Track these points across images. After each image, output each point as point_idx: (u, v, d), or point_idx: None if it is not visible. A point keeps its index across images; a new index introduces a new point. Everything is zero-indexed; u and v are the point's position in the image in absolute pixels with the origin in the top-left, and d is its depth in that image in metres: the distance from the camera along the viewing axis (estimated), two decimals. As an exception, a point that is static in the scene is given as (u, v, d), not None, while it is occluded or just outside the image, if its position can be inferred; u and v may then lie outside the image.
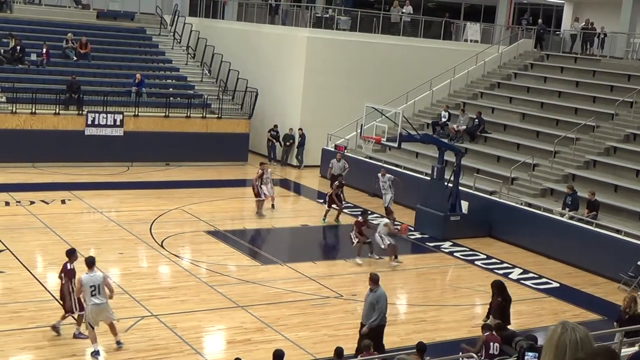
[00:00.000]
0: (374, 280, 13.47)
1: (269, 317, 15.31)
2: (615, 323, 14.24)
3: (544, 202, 22.70)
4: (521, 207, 22.43)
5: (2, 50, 29.69)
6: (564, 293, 18.52)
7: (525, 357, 11.50)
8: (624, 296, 14.70)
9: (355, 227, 19.76)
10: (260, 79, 31.78)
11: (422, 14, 37.29)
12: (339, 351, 12.08)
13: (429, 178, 23.66)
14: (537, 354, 11.36)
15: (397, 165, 26.86)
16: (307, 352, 13.86)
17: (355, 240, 19.50)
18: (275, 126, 31.56)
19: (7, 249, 18.27)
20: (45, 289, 16.00)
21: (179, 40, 34.73)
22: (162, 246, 19.58)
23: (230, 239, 20.93)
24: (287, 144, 31.39)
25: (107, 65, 31.73)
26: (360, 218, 20.27)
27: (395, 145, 23.19)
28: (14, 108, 27.18)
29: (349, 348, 12.81)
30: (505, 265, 20.38)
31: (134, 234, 20.39)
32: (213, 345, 14.54)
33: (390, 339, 14.65)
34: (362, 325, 13.46)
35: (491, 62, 32.06)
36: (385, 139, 23.32)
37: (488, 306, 14.95)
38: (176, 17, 35.23)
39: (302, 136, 31.02)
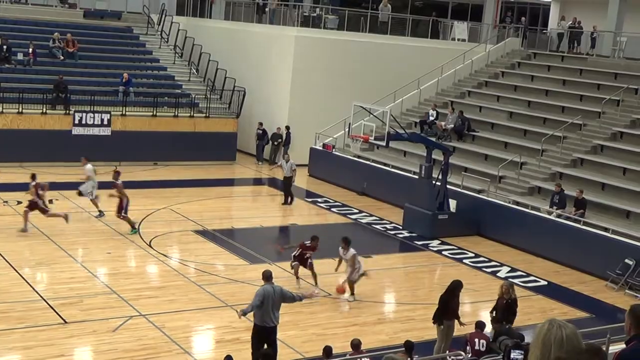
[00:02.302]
0: (263, 276, 13.07)
1: (257, 317, 15.27)
2: (490, 313, 14.49)
3: (532, 200, 22.78)
4: (509, 205, 22.50)
5: (-12, 50, 29.58)
6: (552, 291, 18.59)
7: (512, 355, 11.56)
8: (501, 284, 14.91)
9: (299, 248, 17.40)
10: (248, 78, 31.73)
11: (409, 13, 37.33)
12: (327, 350, 12.10)
13: (417, 177, 23.71)
14: (523, 352, 11.41)
15: (385, 164, 26.90)
16: (295, 350, 13.87)
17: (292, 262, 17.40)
18: (260, 124, 31.44)
19: (-6, 249, 18.19)
20: (33, 289, 15.95)
21: (166, 40, 34.65)
22: (150, 246, 19.54)
23: (218, 238, 20.91)
24: (275, 143, 31.30)
25: (94, 65, 31.61)
26: (308, 242, 17.38)
27: (384, 144, 23.21)
28: (1, 108, 27.04)
29: (338, 347, 12.82)
30: (493, 263, 20.45)
31: (122, 234, 20.34)
32: (202, 345, 14.52)
33: (378, 338, 14.71)
34: None
35: (478, 61, 32.14)
36: (373, 138, 23.33)
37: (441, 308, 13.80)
38: (163, 16, 35.13)
39: (288, 134, 30.91)
